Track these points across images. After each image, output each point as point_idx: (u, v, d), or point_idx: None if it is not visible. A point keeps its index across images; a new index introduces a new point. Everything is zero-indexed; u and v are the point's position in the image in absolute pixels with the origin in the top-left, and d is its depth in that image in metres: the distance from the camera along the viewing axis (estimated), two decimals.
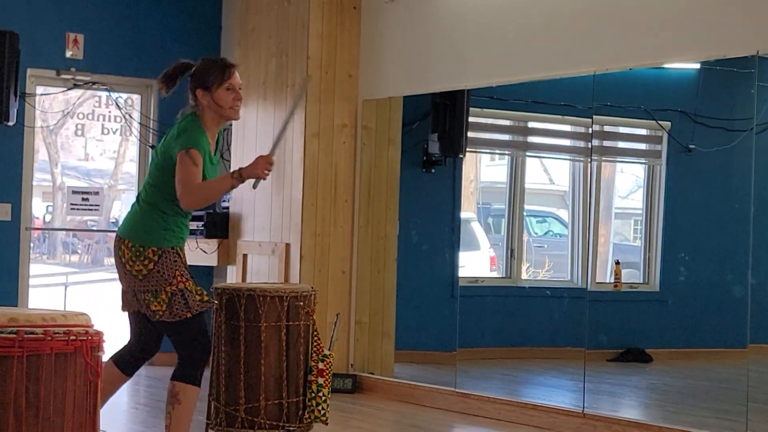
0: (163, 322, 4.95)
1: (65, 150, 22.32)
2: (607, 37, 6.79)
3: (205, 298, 5.00)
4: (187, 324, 4.95)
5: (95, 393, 3.20)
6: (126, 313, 5.21)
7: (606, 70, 6.77)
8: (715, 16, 6.27)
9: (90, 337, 3.13)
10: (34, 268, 15.62)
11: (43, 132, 10.38)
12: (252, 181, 5.07)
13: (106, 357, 5.10)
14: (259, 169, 4.99)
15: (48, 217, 22.01)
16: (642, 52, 6.62)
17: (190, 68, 5.08)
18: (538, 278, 9.85)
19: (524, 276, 9.68)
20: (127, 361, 5.17)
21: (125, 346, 5.21)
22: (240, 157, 8.70)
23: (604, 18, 6.81)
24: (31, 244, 22.01)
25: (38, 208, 23.15)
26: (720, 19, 6.24)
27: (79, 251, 22.35)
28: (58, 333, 3.06)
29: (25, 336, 3.01)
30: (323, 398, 5.47)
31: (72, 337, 3.07)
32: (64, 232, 18.37)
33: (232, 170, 5.10)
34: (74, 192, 9.32)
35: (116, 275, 5.15)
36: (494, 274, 9.71)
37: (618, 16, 6.75)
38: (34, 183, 8.96)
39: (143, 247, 4.93)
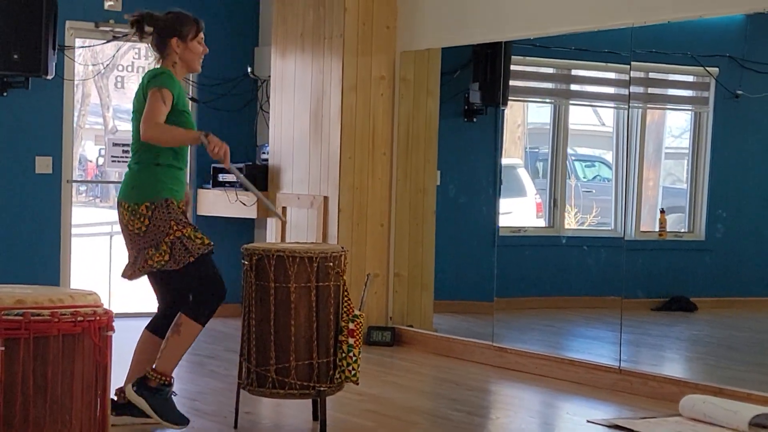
0: (168, 272, 5.10)
1: (118, 92, 22.39)
2: None
3: (206, 241, 5.16)
4: (192, 267, 5.11)
5: (105, 373, 3.21)
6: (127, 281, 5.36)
7: (644, 22, 6.65)
8: None
9: (98, 318, 3.14)
10: (86, 213, 15.70)
11: (92, 74, 10.43)
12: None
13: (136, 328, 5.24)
14: (220, 147, 5.05)
15: (101, 161, 22.17)
16: (681, 4, 6.49)
17: (154, 18, 5.29)
18: (585, 226, 9.78)
19: (570, 224, 9.61)
20: (162, 325, 5.31)
21: (156, 313, 5.39)
22: (279, 109, 8.68)
23: None
24: (84, 187, 21.99)
25: (91, 152, 23.32)
26: None
27: None
28: (65, 314, 3.08)
29: (32, 318, 3.03)
30: (354, 358, 5.48)
31: (79, 318, 3.09)
32: (115, 175, 18.52)
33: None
34: (115, 144, 9.37)
35: None
36: (540, 221, 9.66)
37: None
38: (87, 126, 9.03)
39: (137, 204, 5.11)
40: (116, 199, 5.26)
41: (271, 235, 8.69)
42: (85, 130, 21.00)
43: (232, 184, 8.84)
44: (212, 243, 5.21)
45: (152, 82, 5.14)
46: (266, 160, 8.87)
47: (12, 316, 3.01)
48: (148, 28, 5.31)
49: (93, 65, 10.01)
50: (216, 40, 9.00)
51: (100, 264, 10.89)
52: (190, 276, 5.15)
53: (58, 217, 8.76)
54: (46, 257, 8.69)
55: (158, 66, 5.29)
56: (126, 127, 22.73)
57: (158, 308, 5.41)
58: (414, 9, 8.15)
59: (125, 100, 23.13)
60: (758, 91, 8.78)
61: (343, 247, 5.63)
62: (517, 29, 7.56)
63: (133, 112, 5.29)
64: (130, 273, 5.25)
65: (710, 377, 6.98)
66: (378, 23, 8.18)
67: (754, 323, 8.59)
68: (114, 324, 3.28)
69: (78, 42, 8.96)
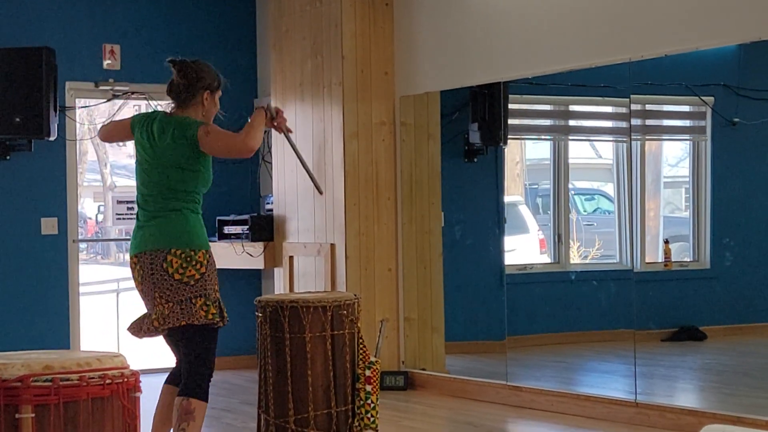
0: (205, 326, 4.84)
1: (114, 149, 22.49)
2: (641, 23, 6.72)
3: (225, 314, 4.97)
4: (215, 334, 4.94)
5: None
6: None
7: (641, 57, 6.71)
8: None
9: (126, 380, 3.15)
10: (89, 270, 15.69)
11: (90, 133, 10.51)
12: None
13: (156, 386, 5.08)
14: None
15: (100, 217, 22.22)
16: (677, 38, 6.54)
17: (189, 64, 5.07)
18: (588, 259, 9.79)
19: (574, 258, 9.62)
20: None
21: (176, 366, 5.06)
22: (281, 158, 8.72)
23: (638, 4, 6.74)
24: (86, 245, 21.99)
25: (90, 209, 23.38)
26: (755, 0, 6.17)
27: None
28: (93, 378, 3.08)
29: (61, 383, 3.04)
30: (372, 405, 5.49)
31: (108, 381, 3.10)
32: (116, 232, 18.55)
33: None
34: (119, 202, 9.40)
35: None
36: (544, 257, 9.67)
37: (652, 1, 6.68)
38: (86, 184, 9.06)
39: (194, 251, 4.88)
40: (151, 250, 4.87)
41: (279, 286, 8.70)
42: (83, 188, 21.07)
43: (237, 236, 8.87)
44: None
45: (192, 127, 4.92)
46: (271, 210, 8.90)
47: (41, 383, 3.01)
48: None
49: (90, 124, 10.06)
50: None
51: (107, 322, 10.89)
52: (209, 342, 4.90)
53: (65, 278, 8.76)
54: (55, 317, 8.69)
55: (178, 114, 5.03)
56: (124, 182, 22.80)
57: (178, 361, 5.04)
58: (411, 54, 8.21)
59: (122, 156, 23.22)
60: (755, 118, 8.82)
61: (356, 295, 5.65)
62: (514, 69, 7.61)
63: (146, 165, 5.02)
64: (157, 326, 4.83)
65: (728, 406, 6.98)
66: (376, 69, 8.23)
67: (766, 349, 8.58)
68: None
69: (78, 102, 9.00)
